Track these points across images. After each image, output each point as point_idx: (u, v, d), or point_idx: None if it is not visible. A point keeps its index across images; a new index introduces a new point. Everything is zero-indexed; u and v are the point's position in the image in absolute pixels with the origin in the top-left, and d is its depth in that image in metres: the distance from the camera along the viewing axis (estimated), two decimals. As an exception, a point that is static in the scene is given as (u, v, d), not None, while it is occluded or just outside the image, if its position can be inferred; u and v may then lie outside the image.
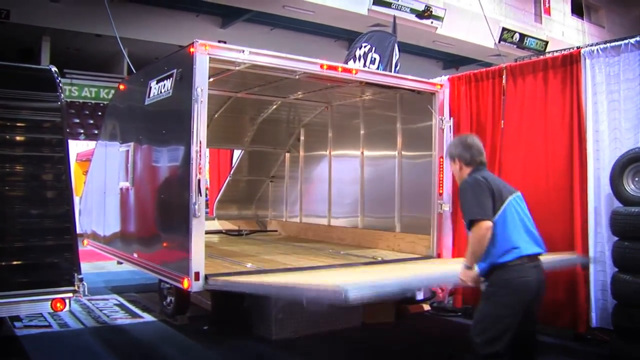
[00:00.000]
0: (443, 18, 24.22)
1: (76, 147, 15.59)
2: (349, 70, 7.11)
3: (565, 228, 6.42)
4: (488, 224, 4.04)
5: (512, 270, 4.09)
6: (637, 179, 5.74)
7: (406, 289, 5.77)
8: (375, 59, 10.22)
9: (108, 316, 7.61)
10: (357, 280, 5.02)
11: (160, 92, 6.71)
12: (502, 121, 7.20)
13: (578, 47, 6.76)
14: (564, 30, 29.35)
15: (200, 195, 5.80)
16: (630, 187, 5.74)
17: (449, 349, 6.34)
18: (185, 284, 5.84)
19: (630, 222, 5.55)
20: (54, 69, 6.03)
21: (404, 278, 5.58)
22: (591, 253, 6.21)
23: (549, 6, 28.84)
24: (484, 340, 4.07)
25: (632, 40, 6.11)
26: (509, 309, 4.08)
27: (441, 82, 7.76)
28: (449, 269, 6.05)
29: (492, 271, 4.14)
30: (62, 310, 5.30)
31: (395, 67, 9.87)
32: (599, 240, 6.13)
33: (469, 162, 4.42)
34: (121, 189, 7.80)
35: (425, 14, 23.69)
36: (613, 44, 6.31)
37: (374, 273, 6.03)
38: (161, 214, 6.86)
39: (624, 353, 5.55)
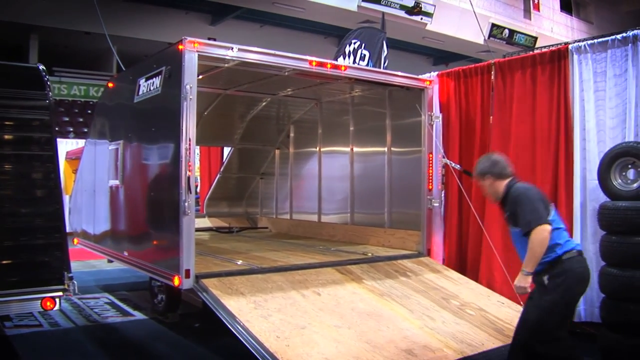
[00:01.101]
0: (432, 14, 24.23)
1: (65, 146, 15.53)
2: (338, 67, 7.12)
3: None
4: (547, 227, 4.37)
5: (573, 262, 4.46)
6: (624, 173, 5.78)
7: None
8: (365, 55, 10.25)
9: (99, 315, 7.61)
10: None
11: (150, 89, 6.69)
12: (491, 117, 7.26)
13: (566, 43, 6.80)
14: (553, 27, 29.44)
15: (190, 193, 5.80)
16: (617, 181, 5.78)
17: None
18: (176, 282, 5.84)
19: (618, 216, 5.58)
20: (42, 67, 6.01)
21: None
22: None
23: (538, 2, 28.90)
24: (550, 327, 4.41)
25: (619, 36, 6.16)
26: (575, 296, 4.59)
27: (430, 79, 7.79)
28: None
29: (554, 265, 4.42)
30: (52, 309, 5.30)
31: (384, 63, 9.89)
32: (585, 234, 6.18)
33: (500, 176, 4.74)
34: (111, 187, 7.78)
35: (415, 10, 23.69)
36: (600, 40, 6.36)
37: (378, 329, 5.35)
38: (151, 212, 6.86)
39: (613, 346, 5.59)
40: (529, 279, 4.42)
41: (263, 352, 4.67)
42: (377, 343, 5.01)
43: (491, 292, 6.63)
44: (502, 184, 4.73)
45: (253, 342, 4.84)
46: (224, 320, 5.24)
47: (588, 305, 6.16)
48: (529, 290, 4.47)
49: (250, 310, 5.30)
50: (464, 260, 7.51)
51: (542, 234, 4.34)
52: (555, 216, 4.59)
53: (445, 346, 5.13)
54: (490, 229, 6.97)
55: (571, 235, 6.18)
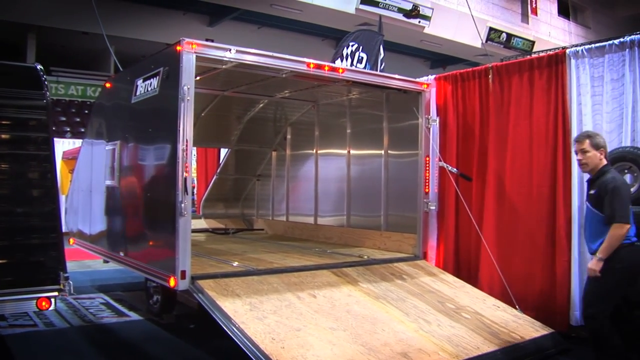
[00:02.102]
0: (430, 17, 24.26)
1: (62, 146, 15.50)
2: (335, 69, 7.13)
3: (548, 226, 6.50)
4: (628, 227, 4.93)
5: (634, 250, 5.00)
6: (620, 178, 5.80)
7: None
8: (362, 58, 10.26)
9: (94, 315, 7.59)
10: None
11: (147, 90, 6.69)
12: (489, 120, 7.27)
13: (563, 48, 6.82)
14: (551, 31, 29.51)
15: (187, 194, 5.80)
16: (614, 186, 5.79)
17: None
18: (172, 283, 5.83)
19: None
20: (39, 66, 6.00)
21: None
22: (574, 252, 6.28)
23: (536, 6, 28.95)
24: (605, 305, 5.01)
25: (617, 41, 6.19)
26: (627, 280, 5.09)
27: (428, 82, 7.81)
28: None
29: (619, 251, 4.94)
30: (47, 309, 5.28)
31: (380, 65, 9.91)
32: (582, 238, 6.19)
33: (606, 156, 5.26)
34: (107, 187, 7.77)
35: (413, 13, 23.72)
36: (598, 44, 6.39)
37: (374, 331, 5.35)
38: (147, 213, 6.85)
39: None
40: (601, 263, 4.95)
41: (258, 354, 4.68)
42: (373, 346, 5.01)
43: (487, 295, 6.64)
44: (603, 163, 5.20)
45: (248, 344, 4.84)
46: (220, 322, 5.25)
47: (582, 310, 6.15)
48: (599, 274, 4.96)
49: (245, 312, 5.30)
50: (461, 263, 7.52)
51: (622, 230, 4.89)
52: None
53: (441, 349, 5.13)
54: (487, 232, 7.00)
55: (570, 238, 6.24)
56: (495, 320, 5.94)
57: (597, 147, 5.20)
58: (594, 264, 5.01)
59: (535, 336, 5.85)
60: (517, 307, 6.36)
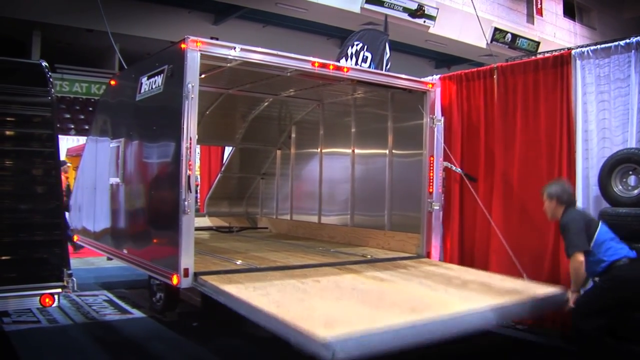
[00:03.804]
0: (435, 17, 24.26)
1: (67, 143, 15.54)
2: (340, 68, 7.12)
3: (554, 227, 6.47)
4: (579, 257, 5.14)
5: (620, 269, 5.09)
6: (625, 179, 5.79)
7: (418, 341, 4.33)
8: (367, 57, 10.24)
9: (97, 312, 7.60)
10: (351, 331, 4.00)
11: (151, 88, 6.69)
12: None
13: (569, 49, 6.80)
14: (556, 32, 29.47)
15: (191, 192, 5.80)
16: (618, 187, 5.79)
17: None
18: (175, 281, 5.84)
19: (618, 222, 5.58)
20: (44, 63, 6.01)
21: (415, 323, 4.41)
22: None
23: (541, 7, 28.92)
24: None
25: (622, 42, 6.16)
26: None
27: (433, 81, 7.79)
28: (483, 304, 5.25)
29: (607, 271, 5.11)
30: (50, 305, 5.29)
31: (386, 65, 9.89)
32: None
33: (563, 202, 5.44)
34: (111, 184, 7.78)
35: (418, 13, 23.72)
36: (603, 45, 6.36)
37: (381, 298, 5.30)
38: (151, 210, 6.85)
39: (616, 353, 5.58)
40: (574, 296, 5.24)
41: (263, 315, 4.59)
42: (380, 305, 4.95)
43: (493, 274, 6.57)
44: (561, 210, 5.44)
45: (253, 311, 4.78)
46: (224, 301, 5.24)
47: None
48: (572, 305, 5.22)
49: (249, 292, 5.27)
50: (465, 264, 7.51)
51: (576, 260, 5.15)
52: (603, 233, 5.20)
53: (451, 304, 5.04)
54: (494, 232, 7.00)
55: None
56: (504, 286, 5.81)
57: (550, 197, 5.52)
58: (569, 295, 5.30)
59: (547, 293, 5.66)
60: (524, 275, 6.28)
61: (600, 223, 5.33)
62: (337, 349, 3.70)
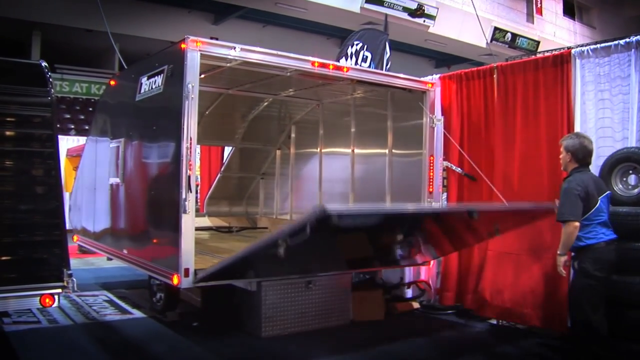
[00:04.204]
0: (435, 17, 24.24)
1: (67, 143, 15.52)
2: (340, 68, 7.12)
3: (552, 225, 6.47)
4: (575, 224, 5.17)
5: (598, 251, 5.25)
6: (625, 179, 5.79)
7: (380, 214, 5.25)
8: (367, 57, 10.23)
9: (97, 312, 7.60)
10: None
11: (151, 88, 6.69)
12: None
13: (569, 48, 6.80)
14: (556, 31, 29.45)
15: (191, 192, 5.80)
16: (618, 186, 5.79)
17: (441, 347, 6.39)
18: (175, 281, 5.84)
19: (618, 222, 5.58)
20: (44, 63, 6.01)
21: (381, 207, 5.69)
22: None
23: (541, 6, 28.91)
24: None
25: (622, 41, 6.17)
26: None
27: (432, 81, 7.79)
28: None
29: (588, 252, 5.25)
30: (51, 306, 5.27)
31: (386, 65, 9.88)
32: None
33: (577, 160, 5.42)
34: (111, 185, 7.78)
35: (418, 12, 23.70)
36: (603, 44, 6.36)
37: None
38: (151, 210, 6.85)
39: (611, 351, 5.58)
40: (563, 258, 5.29)
41: None
42: None
43: None
44: (573, 166, 5.44)
45: None
46: None
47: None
48: (562, 269, 5.32)
49: None
50: (462, 260, 7.53)
51: (568, 228, 5.18)
52: (600, 209, 5.28)
53: None
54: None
55: None
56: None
57: (567, 150, 5.48)
58: (556, 258, 5.36)
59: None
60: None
61: (599, 201, 5.29)
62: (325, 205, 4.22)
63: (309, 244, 4.87)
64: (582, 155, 5.41)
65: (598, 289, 5.20)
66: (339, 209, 4.55)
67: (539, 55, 7.24)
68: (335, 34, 24.43)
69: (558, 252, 5.31)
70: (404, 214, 5.41)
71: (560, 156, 5.57)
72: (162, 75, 6.44)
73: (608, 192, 5.44)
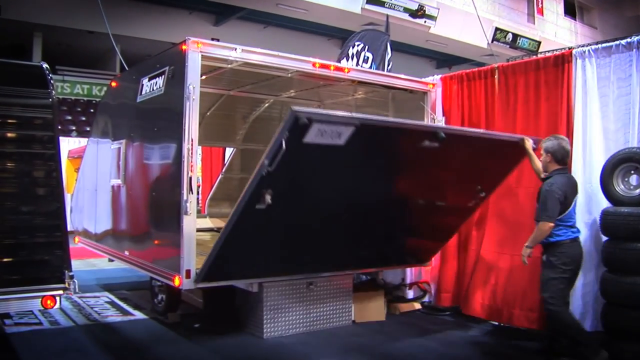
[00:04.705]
0: (436, 17, 24.23)
1: (68, 144, 15.53)
2: (341, 69, 7.12)
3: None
4: (550, 225, 5.59)
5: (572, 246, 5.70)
6: (626, 179, 5.78)
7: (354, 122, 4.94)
8: (368, 57, 10.23)
9: (99, 314, 7.60)
10: None
11: (152, 89, 6.70)
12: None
13: (570, 48, 6.79)
14: (557, 31, 29.42)
15: (192, 193, 5.80)
16: (620, 187, 5.78)
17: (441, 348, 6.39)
18: (177, 282, 5.84)
19: (620, 222, 5.59)
20: (45, 65, 6.01)
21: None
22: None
23: (542, 7, 28.89)
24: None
25: (623, 42, 6.16)
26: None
27: (434, 82, 7.80)
28: None
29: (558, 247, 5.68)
30: (52, 307, 5.29)
31: (388, 65, 9.88)
32: (584, 238, 6.16)
33: (556, 161, 5.79)
34: (113, 186, 7.78)
35: (419, 13, 23.69)
36: (604, 45, 6.36)
37: None
38: (153, 212, 6.85)
39: (615, 351, 5.59)
40: (529, 250, 5.74)
41: None
42: None
43: None
44: (553, 167, 5.80)
45: None
46: None
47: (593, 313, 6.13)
48: (526, 259, 5.75)
49: None
50: (459, 259, 7.54)
51: (543, 228, 5.61)
52: (572, 212, 5.72)
53: None
54: (491, 229, 7.00)
55: None
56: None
57: (546, 151, 5.82)
58: (523, 250, 5.78)
59: None
60: None
61: (573, 204, 5.72)
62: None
63: (294, 185, 5.19)
64: (560, 155, 5.76)
65: (564, 281, 5.65)
66: (309, 111, 4.74)
67: (540, 56, 7.23)
68: (336, 35, 24.42)
69: (526, 245, 5.75)
70: (377, 125, 5.37)
71: (541, 158, 5.90)
72: (163, 76, 6.44)
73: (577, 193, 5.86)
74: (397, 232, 6.82)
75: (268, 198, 4.99)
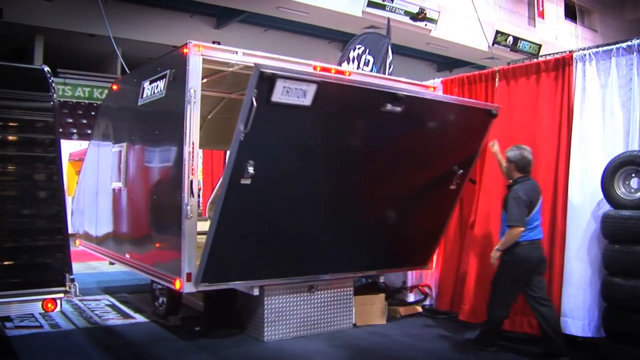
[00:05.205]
0: (437, 20, 24.26)
1: (69, 147, 15.54)
2: (342, 72, 7.12)
3: (549, 227, 6.47)
4: (520, 229, 5.90)
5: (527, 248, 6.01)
6: (627, 182, 5.77)
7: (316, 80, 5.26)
8: (369, 60, 10.23)
9: (100, 317, 7.60)
10: None
11: (154, 92, 6.70)
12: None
13: (570, 51, 6.80)
14: (558, 34, 29.43)
15: (193, 196, 5.81)
16: (620, 190, 5.77)
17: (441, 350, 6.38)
18: (177, 285, 5.84)
19: (621, 225, 5.58)
20: (46, 68, 6.01)
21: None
22: (572, 253, 6.23)
23: (543, 10, 28.91)
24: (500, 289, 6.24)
25: (624, 45, 6.16)
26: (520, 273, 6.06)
27: (434, 85, 7.80)
28: None
29: (514, 248, 5.99)
30: (53, 310, 5.27)
31: (389, 68, 9.88)
32: (583, 242, 6.17)
33: (519, 169, 6.16)
34: (114, 189, 7.79)
35: (419, 16, 23.72)
36: (605, 48, 6.35)
37: None
38: (153, 215, 6.85)
39: (616, 355, 5.58)
40: (498, 253, 6.04)
41: None
42: None
43: None
44: (517, 175, 6.15)
45: None
46: None
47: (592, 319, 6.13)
48: (495, 261, 6.08)
49: None
50: (461, 259, 7.53)
51: (514, 232, 5.90)
52: (536, 215, 6.04)
53: None
54: (488, 234, 7.00)
55: (560, 241, 6.40)
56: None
57: (509, 160, 6.19)
58: (492, 252, 6.12)
59: None
60: None
61: (537, 207, 6.04)
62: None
63: (272, 156, 5.42)
64: (522, 164, 6.12)
65: (516, 283, 6.02)
66: (273, 66, 5.00)
67: (540, 59, 7.24)
68: (337, 38, 24.45)
69: (496, 248, 6.08)
70: (337, 83, 5.63)
71: (505, 165, 6.28)
72: (164, 79, 6.45)
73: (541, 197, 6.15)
74: (386, 219, 6.84)
75: (250, 169, 5.25)
